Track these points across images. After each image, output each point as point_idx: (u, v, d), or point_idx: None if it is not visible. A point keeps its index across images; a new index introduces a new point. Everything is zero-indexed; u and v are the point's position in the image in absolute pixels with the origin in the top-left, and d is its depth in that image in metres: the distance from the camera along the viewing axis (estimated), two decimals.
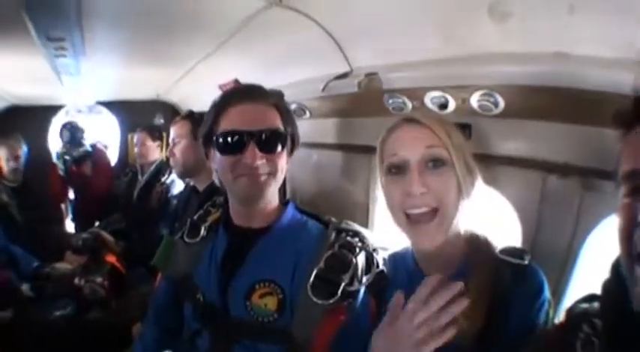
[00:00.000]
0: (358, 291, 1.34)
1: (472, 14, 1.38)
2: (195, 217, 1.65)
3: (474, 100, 1.50)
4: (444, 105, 1.62)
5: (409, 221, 1.26)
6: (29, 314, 3.17)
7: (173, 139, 2.69)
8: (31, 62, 3.16)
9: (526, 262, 1.24)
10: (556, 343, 0.95)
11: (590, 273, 1.36)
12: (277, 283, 1.39)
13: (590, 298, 0.98)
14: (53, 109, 5.75)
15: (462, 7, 1.42)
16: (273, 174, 1.41)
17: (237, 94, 1.47)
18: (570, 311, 1.00)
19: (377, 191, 2.18)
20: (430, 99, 1.64)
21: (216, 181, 1.53)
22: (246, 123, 1.39)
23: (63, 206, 5.56)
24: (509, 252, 1.28)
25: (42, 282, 3.43)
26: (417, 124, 1.27)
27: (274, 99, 1.47)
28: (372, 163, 2.20)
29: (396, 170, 1.26)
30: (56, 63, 3.09)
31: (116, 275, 3.21)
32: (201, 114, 2.77)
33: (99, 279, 3.08)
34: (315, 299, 1.30)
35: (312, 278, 1.32)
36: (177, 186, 3.57)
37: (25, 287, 3.37)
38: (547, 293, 1.20)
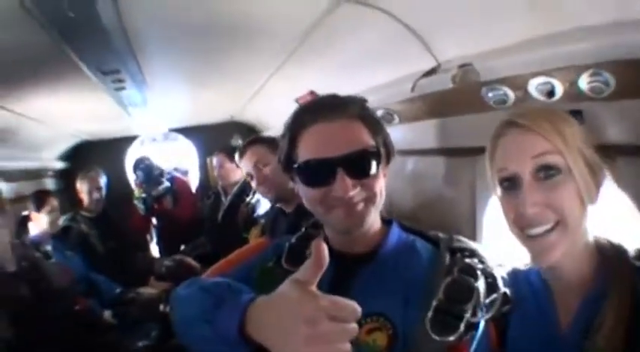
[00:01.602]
0: (480, 323, 1.26)
1: None
2: (294, 240, 1.56)
3: (583, 82, 1.39)
4: (550, 93, 1.52)
5: (525, 237, 1.23)
6: (113, 343, 3.30)
7: (255, 165, 2.70)
8: (94, 99, 3.37)
9: None
10: None
11: None
12: (387, 317, 1.30)
13: None
14: (127, 140, 6.11)
15: None
16: (371, 200, 1.33)
17: (311, 112, 1.36)
18: None
19: (483, 198, 2.10)
20: (535, 86, 1.55)
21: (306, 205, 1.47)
22: (329, 147, 1.29)
23: (147, 234, 5.87)
24: None
25: (125, 308, 3.65)
26: (522, 128, 1.22)
27: (356, 108, 1.36)
28: (475, 166, 2.12)
29: (508, 184, 1.23)
30: (119, 96, 3.24)
31: None
32: (266, 136, 2.77)
33: None
34: (434, 335, 1.21)
35: (431, 312, 1.24)
36: (263, 205, 3.61)
37: (107, 314, 3.62)
38: None
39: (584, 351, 1.15)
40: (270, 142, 2.70)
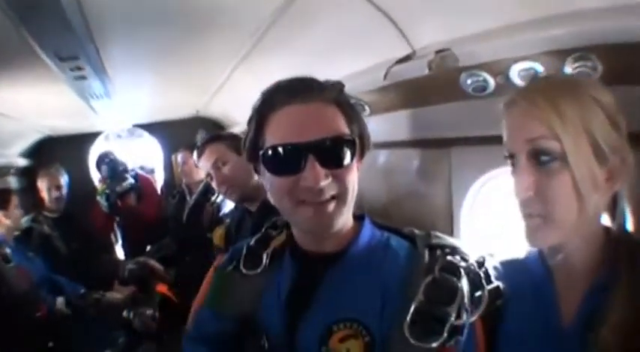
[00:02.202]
0: (466, 325, 1.16)
1: None
2: (252, 242, 1.46)
3: (569, 68, 1.35)
4: (534, 78, 1.45)
5: (521, 214, 1.19)
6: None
7: (214, 164, 2.61)
8: (56, 91, 3.29)
9: None
10: None
11: None
12: (361, 322, 1.21)
13: None
14: (91, 137, 6.04)
15: None
16: (341, 198, 1.21)
17: (283, 92, 1.23)
18: None
19: (461, 192, 2.06)
20: (517, 72, 1.50)
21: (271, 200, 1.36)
22: (300, 131, 1.18)
23: (111, 234, 5.79)
24: None
25: (85, 302, 3.62)
26: (520, 107, 1.14)
27: (333, 92, 1.24)
28: (451, 158, 2.09)
29: (512, 161, 1.19)
30: (81, 87, 3.17)
31: (169, 306, 3.27)
32: (224, 133, 2.75)
33: (149, 312, 3.19)
34: (414, 341, 1.11)
35: (410, 315, 1.14)
36: (229, 204, 3.56)
37: (59, 302, 3.54)
38: None
39: (588, 344, 1.09)
40: (230, 139, 2.65)
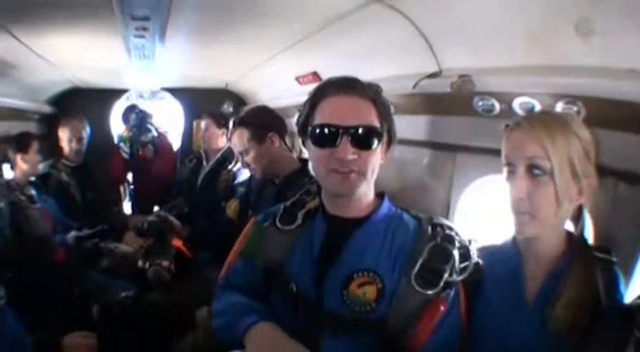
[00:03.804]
0: (455, 283, 1.47)
1: (559, 28, 1.56)
2: (289, 204, 1.75)
3: (559, 107, 1.65)
4: (530, 111, 1.79)
5: (511, 211, 1.47)
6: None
7: (240, 152, 2.83)
8: (106, 46, 3.38)
9: (614, 259, 1.39)
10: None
11: None
12: (376, 272, 1.49)
13: None
14: (117, 93, 6.09)
15: (549, 20, 1.61)
16: (362, 173, 1.49)
17: (334, 85, 1.53)
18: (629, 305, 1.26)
19: (458, 190, 2.35)
20: (518, 103, 1.81)
21: (312, 172, 1.70)
22: (341, 116, 1.46)
23: (121, 188, 5.90)
24: (599, 249, 1.43)
25: (91, 242, 3.79)
26: (525, 130, 1.42)
27: (371, 92, 1.53)
28: (456, 161, 2.38)
29: (509, 168, 1.45)
30: (133, 45, 3.25)
31: (182, 259, 3.34)
32: (251, 117, 2.83)
33: (165, 263, 3.18)
34: (418, 288, 1.44)
35: (416, 268, 1.46)
36: (244, 174, 3.74)
37: (71, 235, 3.72)
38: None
39: (545, 317, 1.39)
40: (254, 127, 2.78)
